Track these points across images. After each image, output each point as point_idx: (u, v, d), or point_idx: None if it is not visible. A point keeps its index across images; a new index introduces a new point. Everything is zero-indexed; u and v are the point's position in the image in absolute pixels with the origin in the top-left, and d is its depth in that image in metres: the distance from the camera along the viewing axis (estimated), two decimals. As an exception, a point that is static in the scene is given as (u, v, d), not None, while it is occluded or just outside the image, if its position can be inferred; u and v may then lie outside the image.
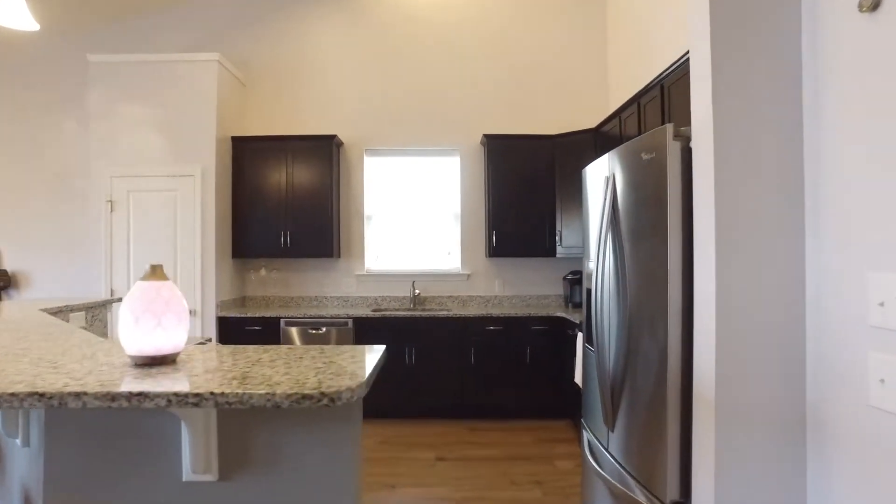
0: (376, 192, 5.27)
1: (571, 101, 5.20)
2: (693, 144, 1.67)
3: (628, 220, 2.05)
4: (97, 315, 3.02)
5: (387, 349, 1.56)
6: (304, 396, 1.06)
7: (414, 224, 5.26)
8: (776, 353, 1.53)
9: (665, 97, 3.20)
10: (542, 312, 4.55)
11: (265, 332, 4.56)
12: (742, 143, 1.53)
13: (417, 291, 5.06)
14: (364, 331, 4.55)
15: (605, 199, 2.21)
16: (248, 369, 1.24)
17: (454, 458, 3.72)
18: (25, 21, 2.65)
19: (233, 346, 1.56)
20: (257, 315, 4.55)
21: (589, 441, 2.58)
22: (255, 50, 5.23)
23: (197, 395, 1.04)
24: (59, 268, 5.22)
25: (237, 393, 1.05)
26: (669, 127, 1.74)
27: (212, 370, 1.23)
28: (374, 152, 5.26)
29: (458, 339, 4.53)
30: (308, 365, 1.29)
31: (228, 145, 4.84)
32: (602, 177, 2.35)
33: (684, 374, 1.74)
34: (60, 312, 2.74)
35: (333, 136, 4.85)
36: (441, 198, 5.26)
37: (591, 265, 2.39)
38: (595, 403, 2.46)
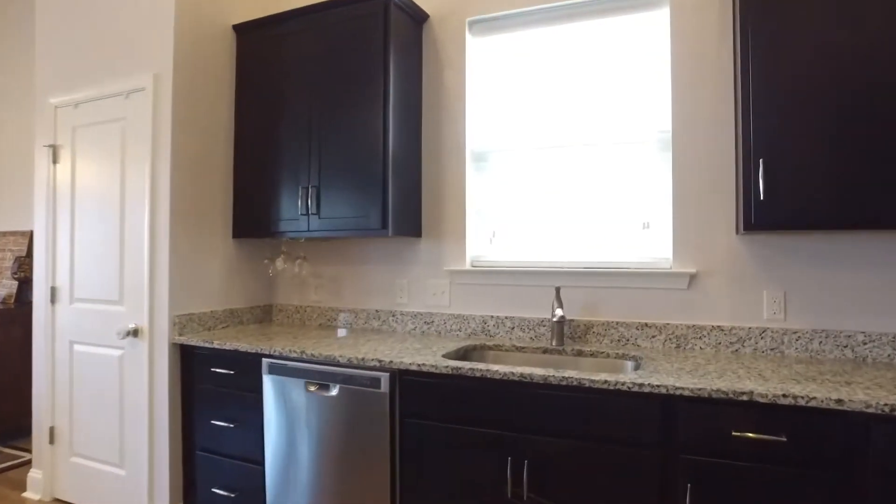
0: (491, 108, 2.64)
1: None
2: None
3: None
4: None
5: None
6: None
7: (567, 169, 2.48)
8: None
9: None
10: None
11: (239, 377, 2.33)
12: None
13: (559, 313, 2.26)
14: (412, 401, 1.99)
15: None
16: None
17: None
18: None
19: None
20: (227, 347, 2.35)
21: None
22: None
23: None
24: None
25: None
26: None
27: None
28: (487, 26, 2.63)
29: (648, 453, 1.65)
30: None
31: (226, 44, 2.76)
32: None
33: None
34: None
35: (390, -7, 2.40)
36: (625, 109, 2.37)
37: None
38: None
